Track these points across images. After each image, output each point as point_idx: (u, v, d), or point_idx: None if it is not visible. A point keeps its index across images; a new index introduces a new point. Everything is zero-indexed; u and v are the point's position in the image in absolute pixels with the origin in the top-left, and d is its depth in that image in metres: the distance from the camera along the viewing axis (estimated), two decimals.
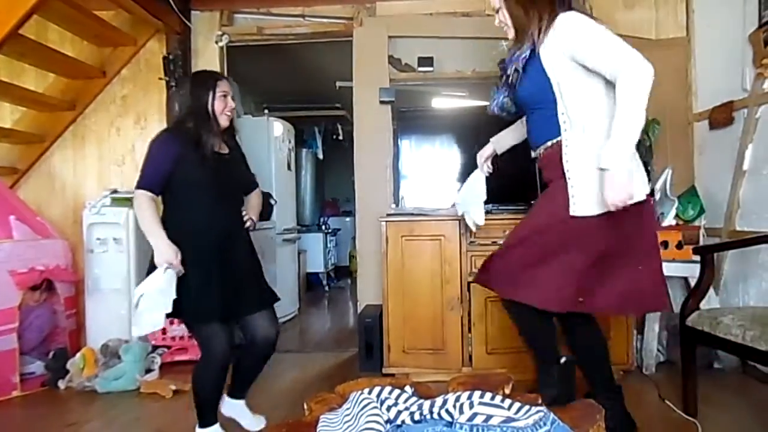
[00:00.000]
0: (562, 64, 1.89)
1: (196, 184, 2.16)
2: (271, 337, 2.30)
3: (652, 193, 2.18)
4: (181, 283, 2.07)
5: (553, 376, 2.15)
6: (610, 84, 1.84)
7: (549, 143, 1.98)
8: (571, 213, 1.90)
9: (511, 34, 2.06)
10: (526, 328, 2.19)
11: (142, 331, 2.05)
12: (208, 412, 2.21)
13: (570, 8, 1.94)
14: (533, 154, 2.12)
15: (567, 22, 1.88)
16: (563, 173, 1.92)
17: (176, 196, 2.19)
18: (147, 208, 2.10)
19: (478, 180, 2.47)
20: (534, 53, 1.94)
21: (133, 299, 2.02)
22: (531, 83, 1.97)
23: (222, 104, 2.23)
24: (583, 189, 1.89)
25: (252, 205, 2.45)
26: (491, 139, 2.43)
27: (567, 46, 1.87)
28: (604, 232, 1.91)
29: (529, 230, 2.05)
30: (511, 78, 2.05)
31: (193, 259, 2.10)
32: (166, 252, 2.04)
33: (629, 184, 1.77)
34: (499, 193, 3.09)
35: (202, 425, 2.21)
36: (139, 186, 2.14)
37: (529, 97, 2.02)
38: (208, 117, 2.19)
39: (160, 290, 1.99)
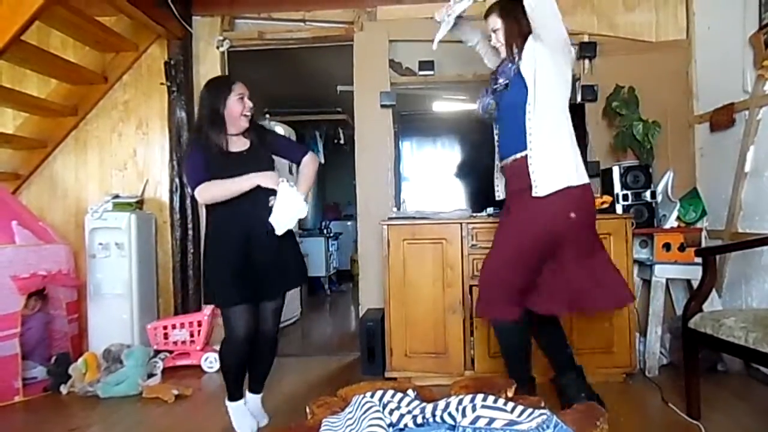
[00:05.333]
0: (533, 66, 2.16)
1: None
2: (269, 331, 2.44)
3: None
4: (209, 272, 2.34)
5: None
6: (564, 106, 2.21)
7: (518, 155, 2.23)
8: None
9: (503, 53, 2.36)
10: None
11: (282, 229, 2.31)
12: (232, 387, 2.43)
13: None
14: (500, 164, 2.42)
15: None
16: (529, 184, 2.17)
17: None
18: (213, 184, 2.25)
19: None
20: (518, 68, 2.24)
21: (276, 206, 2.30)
22: (513, 93, 2.25)
23: (240, 106, 2.31)
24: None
25: (303, 176, 2.49)
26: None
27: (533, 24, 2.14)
28: None
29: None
30: (499, 86, 2.36)
31: (219, 252, 2.32)
32: (263, 177, 2.27)
33: None
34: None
35: (229, 399, 2.45)
36: (195, 186, 2.27)
37: (509, 106, 2.28)
38: (220, 122, 2.29)
39: (288, 200, 2.29)
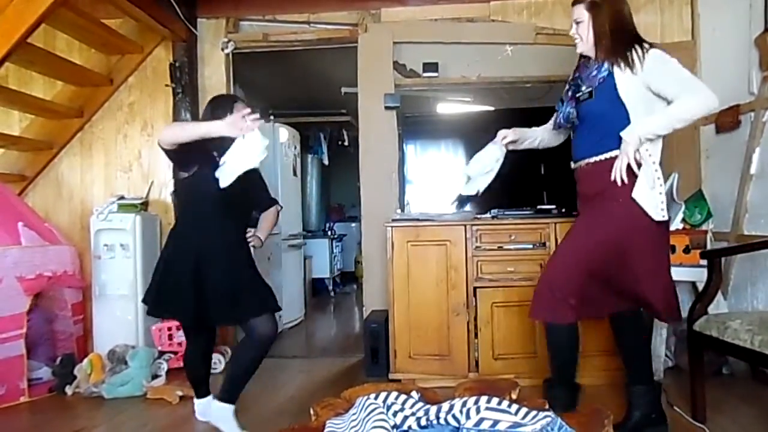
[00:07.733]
0: (638, 91, 2.08)
1: (202, 196, 2.30)
2: (265, 335, 2.29)
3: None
4: (161, 277, 2.33)
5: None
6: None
7: (591, 159, 2.16)
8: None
9: (581, 48, 2.22)
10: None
11: (225, 182, 2.09)
12: (197, 388, 2.60)
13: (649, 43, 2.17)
14: (574, 165, 2.27)
15: (656, 57, 2.12)
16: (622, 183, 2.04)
17: (184, 203, 2.41)
18: (175, 125, 2.36)
19: (492, 154, 2.38)
20: (611, 75, 2.11)
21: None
22: (605, 101, 2.11)
23: None
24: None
25: (266, 222, 2.60)
26: (517, 129, 2.40)
27: (651, 78, 2.08)
28: None
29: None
30: (582, 94, 2.20)
31: (174, 259, 2.32)
32: (223, 126, 2.08)
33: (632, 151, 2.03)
34: (504, 198, 3.09)
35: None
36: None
37: (599, 113, 2.14)
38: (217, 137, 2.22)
39: (241, 152, 2.06)
